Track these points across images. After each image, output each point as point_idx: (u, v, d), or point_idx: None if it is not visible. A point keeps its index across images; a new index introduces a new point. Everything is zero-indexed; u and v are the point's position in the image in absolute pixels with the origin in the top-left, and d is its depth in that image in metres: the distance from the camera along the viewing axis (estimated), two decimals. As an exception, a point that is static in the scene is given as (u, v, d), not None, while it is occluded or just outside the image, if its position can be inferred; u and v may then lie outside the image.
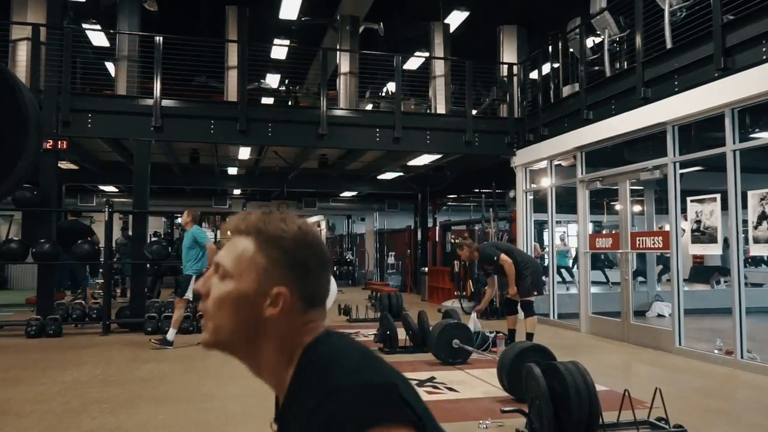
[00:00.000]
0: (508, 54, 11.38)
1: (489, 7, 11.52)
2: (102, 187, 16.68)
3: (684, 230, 7.32)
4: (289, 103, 12.12)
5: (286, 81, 12.81)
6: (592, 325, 8.54)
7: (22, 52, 8.81)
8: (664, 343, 7.06)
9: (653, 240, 7.67)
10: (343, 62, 11.15)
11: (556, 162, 9.66)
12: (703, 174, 10.27)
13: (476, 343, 6.44)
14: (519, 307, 7.02)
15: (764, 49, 5.77)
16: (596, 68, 9.01)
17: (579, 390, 3.59)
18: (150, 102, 8.95)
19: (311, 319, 0.88)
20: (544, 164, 9.82)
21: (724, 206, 6.32)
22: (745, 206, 6.08)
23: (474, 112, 10.90)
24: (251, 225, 0.89)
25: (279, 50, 12.63)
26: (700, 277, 13.89)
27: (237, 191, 18.55)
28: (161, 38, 8.94)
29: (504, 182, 11.93)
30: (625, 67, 8.31)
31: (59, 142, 8.47)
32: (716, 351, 6.47)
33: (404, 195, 18.11)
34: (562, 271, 13.96)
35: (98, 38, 11.55)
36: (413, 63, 12.89)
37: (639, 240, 7.81)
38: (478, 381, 5.56)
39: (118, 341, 7.69)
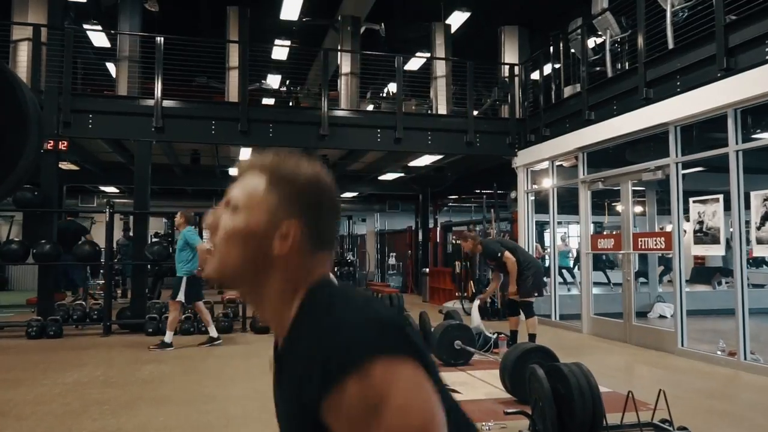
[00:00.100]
0: (510, 54, 11.37)
1: (490, 7, 11.51)
2: (103, 188, 16.66)
3: (685, 231, 7.30)
4: (290, 103, 12.11)
5: (287, 81, 12.80)
6: (593, 326, 8.52)
7: (23, 53, 8.80)
8: (666, 344, 7.04)
9: (655, 241, 7.65)
10: (344, 63, 11.14)
11: (557, 162, 9.64)
12: (705, 175, 10.26)
13: (478, 344, 6.43)
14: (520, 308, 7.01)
15: (767, 50, 5.75)
16: (598, 69, 9.00)
17: (582, 392, 3.57)
18: (151, 102, 8.94)
19: (318, 262, 0.88)
20: (545, 165, 9.80)
21: (726, 207, 6.30)
22: (747, 207, 6.07)
23: (475, 112, 10.89)
24: (265, 163, 0.89)
25: (280, 51, 12.62)
26: (701, 277, 13.85)
27: (238, 192, 18.50)
28: (162, 39, 8.94)
29: (505, 183, 11.92)
30: (627, 67, 8.30)
31: (60, 143, 8.47)
32: (719, 352, 6.45)
33: (405, 196, 18.09)
34: (563, 271, 13.93)
35: (99, 39, 11.55)
36: (414, 63, 12.88)
37: (641, 241, 7.79)
38: (480, 382, 5.54)
39: (119, 342, 7.67)
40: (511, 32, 11.50)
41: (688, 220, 7.10)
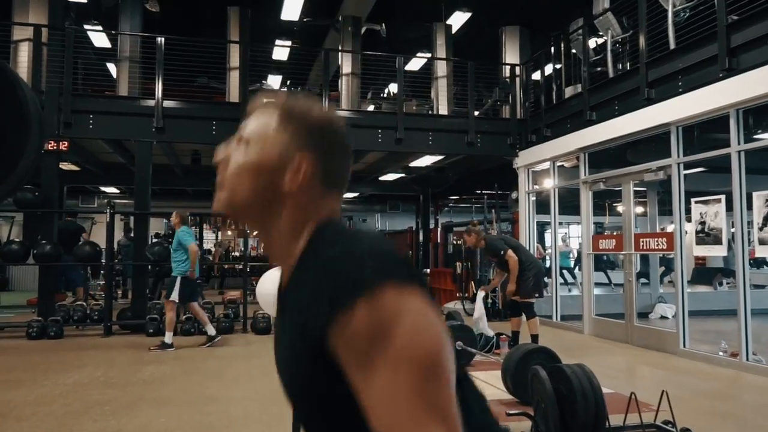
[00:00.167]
0: (511, 55, 11.36)
1: (491, 7, 11.50)
2: (103, 189, 16.65)
3: (687, 231, 7.29)
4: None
5: (288, 82, 12.79)
6: (595, 327, 8.50)
7: (24, 53, 8.79)
8: (668, 345, 7.02)
9: (657, 241, 7.64)
10: (345, 63, 11.13)
11: (558, 163, 9.62)
12: (707, 175, 10.24)
13: (479, 345, 6.41)
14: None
15: (769, 50, 5.74)
16: (599, 69, 8.99)
17: (585, 393, 3.56)
18: (151, 103, 8.93)
19: (328, 202, 0.88)
20: (546, 165, 9.79)
21: (728, 208, 6.29)
22: (749, 207, 6.05)
23: (476, 113, 10.87)
24: (277, 101, 0.90)
25: (281, 51, 12.61)
26: (702, 278, 13.83)
27: (238, 192, 18.51)
28: (163, 39, 8.92)
29: (506, 183, 11.90)
30: (628, 67, 8.28)
31: (61, 143, 8.46)
32: (721, 353, 6.43)
33: (406, 196, 18.08)
34: (564, 272, 13.91)
35: (100, 39, 11.55)
36: (415, 64, 12.87)
37: (643, 241, 7.77)
38: (481, 383, 5.48)
39: (120, 343, 7.66)
40: (512, 32, 11.49)
41: (689, 220, 7.08)
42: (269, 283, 2.59)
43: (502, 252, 6.86)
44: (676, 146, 6.95)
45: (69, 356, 6.74)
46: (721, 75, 6.20)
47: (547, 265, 10.38)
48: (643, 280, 11.47)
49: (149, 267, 9.58)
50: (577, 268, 14.11)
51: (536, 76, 10.93)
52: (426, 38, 12.19)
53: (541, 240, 14.10)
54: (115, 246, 10.62)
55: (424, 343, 0.69)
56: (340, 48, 11.40)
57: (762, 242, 5.88)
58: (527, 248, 8.11)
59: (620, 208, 10.90)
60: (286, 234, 0.86)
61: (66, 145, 8.54)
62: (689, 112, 6.64)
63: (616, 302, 8.64)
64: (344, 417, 0.75)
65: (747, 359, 5.97)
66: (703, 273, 14.24)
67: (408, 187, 16.16)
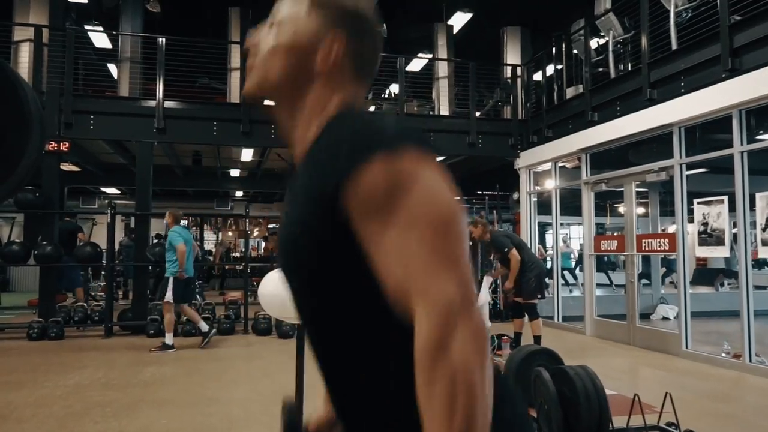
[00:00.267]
0: (512, 55, 11.35)
1: (492, 8, 11.48)
2: (104, 189, 16.65)
3: (689, 232, 7.27)
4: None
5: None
6: (597, 328, 8.48)
7: (25, 54, 8.78)
8: (670, 346, 7.00)
9: (659, 242, 7.61)
10: (346, 64, 11.11)
11: (560, 164, 9.61)
12: (709, 176, 10.23)
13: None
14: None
15: (772, 50, 5.73)
16: (601, 69, 8.97)
17: (588, 395, 3.54)
18: (152, 103, 8.92)
19: (356, 87, 0.90)
20: (548, 166, 9.77)
21: (731, 208, 6.27)
22: (752, 208, 6.03)
23: (477, 113, 10.85)
24: None
25: (281, 52, 12.59)
26: (703, 279, 13.81)
27: (239, 193, 18.51)
28: (164, 39, 8.92)
29: (508, 184, 11.88)
30: (630, 68, 8.26)
31: (61, 144, 8.45)
32: (724, 354, 6.41)
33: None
34: (565, 273, 13.89)
35: (100, 39, 11.53)
36: (416, 64, 12.84)
37: (645, 242, 7.75)
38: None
39: (120, 344, 7.64)
40: (513, 33, 11.48)
41: (691, 221, 7.06)
42: (271, 285, 2.57)
43: (506, 249, 6.83)
44: (679, 147, 6.93)
45: (70, 357, 6.73)
46: (723, 75, 6.18)
47: (549, 266, 10.37)
48: (644, 281, 11.46)
49: (150, 268, 9.57)
50: (578, 268, 14.10)
51: (538, 76, 10.91)
52: (427, 39, 12.18)
53: (542, 241, 14.07)
54: (117, 246, 10.61)
55: (441, 202, 0.71)
56: (341, 48, 11.38)
57: (765, 243, 5.86)
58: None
59: (622, 209, 10.88)
60: (311, 115, 0.87)
61: (67, 145, 8.53)
62: (692, 112, 6.62)
63: (618, 303, 8.62)
64: (346, 283, 0.75)
65: (750, 361, 5.95)
66: (704, 274, 14.22)
67: (409, 188, 16.12)
